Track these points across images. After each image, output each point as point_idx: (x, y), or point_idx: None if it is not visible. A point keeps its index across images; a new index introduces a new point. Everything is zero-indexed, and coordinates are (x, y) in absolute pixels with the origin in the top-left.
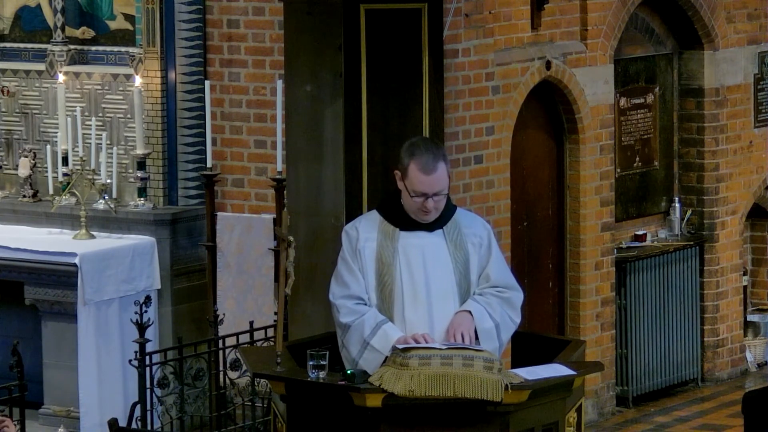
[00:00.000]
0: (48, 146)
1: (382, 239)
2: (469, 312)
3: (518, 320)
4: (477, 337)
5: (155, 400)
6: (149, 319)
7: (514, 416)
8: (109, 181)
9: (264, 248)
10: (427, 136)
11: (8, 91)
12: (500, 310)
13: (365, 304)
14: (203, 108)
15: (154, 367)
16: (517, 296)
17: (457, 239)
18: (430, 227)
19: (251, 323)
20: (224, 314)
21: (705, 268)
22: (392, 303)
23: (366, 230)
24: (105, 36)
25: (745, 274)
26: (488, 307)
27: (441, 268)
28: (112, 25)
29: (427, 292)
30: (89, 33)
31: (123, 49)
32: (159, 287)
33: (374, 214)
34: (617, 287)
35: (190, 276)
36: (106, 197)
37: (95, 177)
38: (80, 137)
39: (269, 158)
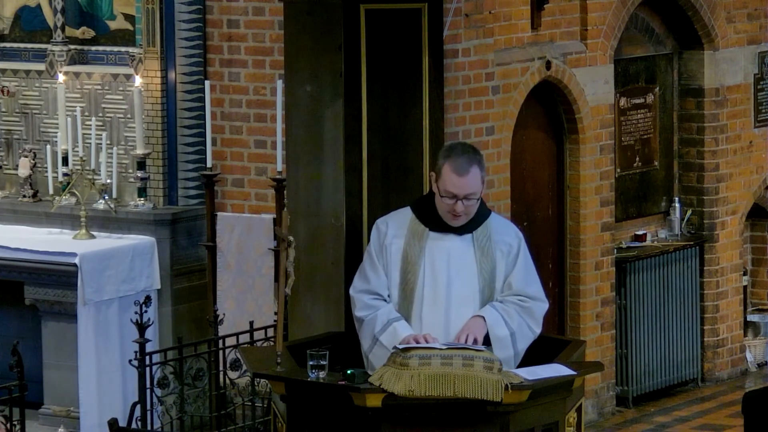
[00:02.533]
0: (48, 146)
1: (410, 237)
2: (482, 317)
3: (539, 330)
4: (489, 344)
5: (155, 400)
6: (149, 319)
7: (514, 416)
8: (109, 181)
9: (264, 248)
10: (427, 136)
11: (8, 91)
12: (518, 319)
13: (383, 300)
14: (203, 108)
15: (154, 367)
16: (540, 306)
17: (486, 245)
18: (459, 231)
19: (251, 323)
20: (224, 314)
21: (705, 268)
22: (412, 302)
23: (396, 226)
24: (105, 36)
25: (745, 274)
26: (505, 314)
27: (465, 273)
28: (112, 25)
29: (447, 296)
30: (89, 33)
31: (123, 49)
32: (159, 287)
33: (407, 211)
34: (617, 287)
35: (190, 276)
36: (106, 197)
37: (95, 177)
38: (80, 137)
39: (269, 158)
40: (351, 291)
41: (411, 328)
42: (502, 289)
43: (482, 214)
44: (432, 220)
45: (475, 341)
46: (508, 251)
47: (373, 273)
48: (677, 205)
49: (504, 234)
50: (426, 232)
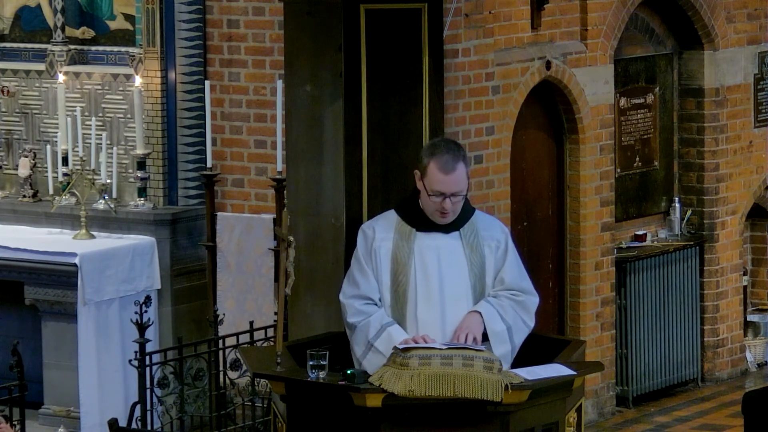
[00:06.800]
0: (48, 146)
1: (398, 239)
2: (479, 313)
3: (532, 324)
4: (486, 339)
5: (155, 400)
6: (149, 319)
7: (514, 416)
8: (109, 181)
9: (264, 248)
10: (427, 136)
11: (8, 91)
12: (513, 313)
13: (375, 305)
14: (203, 108)
15: (154, 367)
16: (532, 300)
17: (474, 242)
18: (446, 229)
19: (251, 323)
20: (224, 314)
21: (705, 268)
22: (405, 303)
23: (382, 230)
24: (105, 36)
25: (745, 274)
26: (500, 309)
27: (456, 270)
28: (112, 25)
29: (441, 294)
30: (89, 33)
31: (123, 49)
32: (159, 287)
33: (392, 214)
34: (617, 287)
35: (190, 276)
36: (106, 197)
37: (95, 177)
38: (80, 137)
39: (269, 158)
40: (341, 297)
41: (405, 332)
42: (493, 285)
43: (467, 210)
44: (418, 220)
45: (474, 340)
46: (496, 246)
47: (363, 278)
48: (677, 205)
49: (491, 230)
50: (413, 233)
